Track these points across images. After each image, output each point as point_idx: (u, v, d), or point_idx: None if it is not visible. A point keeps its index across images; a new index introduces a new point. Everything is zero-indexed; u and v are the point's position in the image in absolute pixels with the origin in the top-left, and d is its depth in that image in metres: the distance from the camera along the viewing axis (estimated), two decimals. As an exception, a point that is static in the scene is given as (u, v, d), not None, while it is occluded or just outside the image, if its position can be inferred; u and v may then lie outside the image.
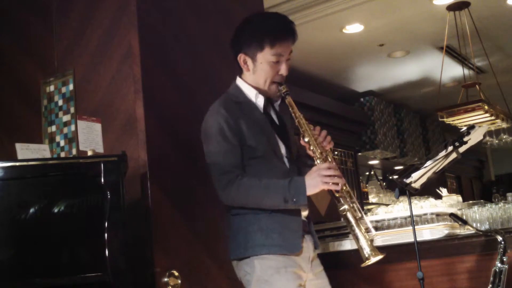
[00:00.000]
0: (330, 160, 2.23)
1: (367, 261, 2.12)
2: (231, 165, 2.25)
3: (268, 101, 2.43)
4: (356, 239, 2.12)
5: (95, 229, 2.33)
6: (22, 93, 3.35)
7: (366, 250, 2.10)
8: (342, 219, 2.21)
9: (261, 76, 2.34)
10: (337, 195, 2.18)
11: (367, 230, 2.18)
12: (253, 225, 2.26)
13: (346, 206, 2.16)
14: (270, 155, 2.32)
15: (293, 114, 2.31)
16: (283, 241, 2.24)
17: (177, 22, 3.12)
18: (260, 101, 2.37)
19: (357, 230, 2.12)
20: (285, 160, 2.36)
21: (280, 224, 2.25)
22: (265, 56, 2.31)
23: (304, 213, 2.36)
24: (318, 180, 2.15)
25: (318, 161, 2.24)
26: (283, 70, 2.33)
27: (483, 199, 5.01)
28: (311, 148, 2.27)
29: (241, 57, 2.38)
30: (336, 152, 7.31)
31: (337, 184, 2.15)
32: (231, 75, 3.35)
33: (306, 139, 2.28)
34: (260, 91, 2.38)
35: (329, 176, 2.15)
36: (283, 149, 2.37)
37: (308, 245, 2.33)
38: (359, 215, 2.16)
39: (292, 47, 2.35)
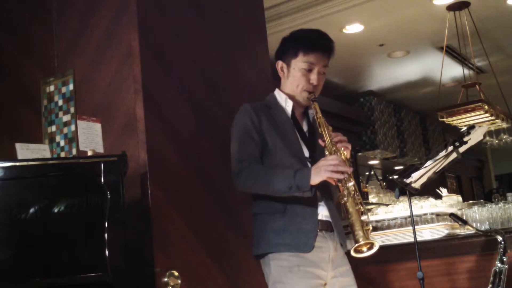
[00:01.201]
0: (340, 155, 2.28)
1: (356, 245, 2.13)
2: (247, 155, 2.37)
3: (304, 108, 2.55)
4: (352, 226, 2.14)
5: (95, 229, 2.33)
6: (22, 93, 3.35)
7: (358, 235, 2.12)
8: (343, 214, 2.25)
9: (293, 82, 2.49)
10: (339, 185, 2.23)
11: (367, 223, 2.19)
12: (267, 224, 2.36)
13: (346, 196, 2.19)
14: (289, 156, 2.40)
15: (315, 116, 2.41)
16: (292, 240, 2.31)
17: (177, 22, 3.12)
18: (289, 105, 2.50)
19: (354, 218, 2.15)
20: (307, 162, 2.42)
21: (292, 224, 2.33)
22: (298, 63, 2.46)
23: (324, 213, 2.39)
24: (322, 169, 2.21)
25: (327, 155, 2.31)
26: (314, 79, 2.45)
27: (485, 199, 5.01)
28: (326, 148, 2.33)
29: (278, 64, 2.55)
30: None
31: (340, 173, 2.19)
32: (231, 74, 3.37)
33: (320, 141, 2.36)
34: (291, 97, 2.51)
35: (333, 165, 2.20)
36: (306, 153, 2.45)
37: (328, 244, 2.37)
38: (359, 206, 2.19)
39: (327, 62, 2.48)
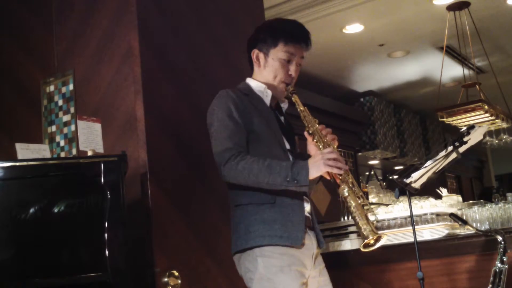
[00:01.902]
0: (333, 148, 2.25)
1: (366, 240, 2.10)
2: (234, 143, 2.25)
3: (276, 100, 2.49)
4: (356, 221, 2.12)
5: (95, 229, 2.33)
6: (22, 93, 3.35)
7: (366, 230, 2.09)
8: (345, 213, 2.22)
9: (271, 72, 2.42)
10: (339, 179, 2.19)
11: (369, 212, 2.16)
12: (255, 215, 2.25)
13: (347, 189, 2.16)
14: (275, 145, 2.34)
15: (298, 109, 2.36)
16: (285, 232, 2.22)
17: (177, 22, 3.12)
18: (268, 94, 2.43)
19: (357, 213, 2.12)
20: (289, 154, 2.38)
21: (282, 215, 2.24)
22: (278, 52, 2.40)
23: (307, 208, 2.35)
24: (321, 163, 2.16)
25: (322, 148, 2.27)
26: (293, 70, 2.41)
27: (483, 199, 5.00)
28: (315, 139, 2.29)
29: (254, 53, 2.46)
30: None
31: (340, 168, 2.17)
32: (231, 74, 3.37)
33: (311, 131, 2.31)
34: (268, 87, 2.44)
35: (332, 159, 2.16)
36: (287, 145, 2.40)
37: (311, 242, 2.33)
38: (361, 199, 2.15)
39: (304, 54, 2.44)
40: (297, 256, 2.25)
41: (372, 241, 2.13)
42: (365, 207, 2.14)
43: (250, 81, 2.48)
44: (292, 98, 2.39)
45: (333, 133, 2.34)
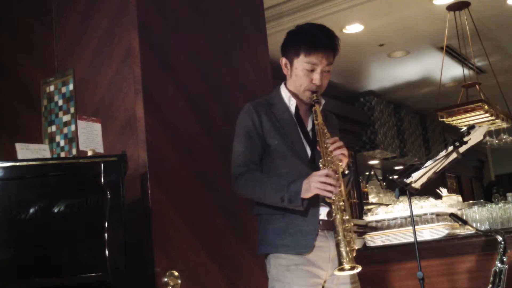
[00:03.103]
0: (333, 168, 2.26)
1: (340, 267, 2.14)
2: (246, 160, 2.38)
3: (309, 105, 2.50)
4: (337, 246, 2.15)
5: (95, 229, 2.33)
6: (22, 93, 3.35)
7: (343, 258, 2.13)
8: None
9: (296, 81, 2.45)
10: (329, 201, 2.24)
11: (351, 240, 2.18)
12: (269, 225, 2.38)
13: (334, 213, 2.20)
14: (292, 158, 2.39)
15: (315, 121, 2.39)
16: (292, 242, 2.32)
17: (177, 22, 3.12)
18: (292, 104, 2.47)
19: (340, 237, 2.15)
20: (308, 164, 2.40)
21: (293, 225, 2.33)
22: (300, 63, 2.42)
23: (324, 213, 2.37)
24: (313, 186, 2.22)
25: (321, 167, 2.29)
26: (316, 79, 2.41)
27: (485, 199, 5.00)
28: (321, 156, 2.32)
29: (282, 60, 2.50)
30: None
31: (329, 192, 2.20)
32: (231, 74, 3.37)
33: (318, 147, 2.35)
34: (295, 95, 2.48)
35: (323, 183, 2.20)
36: (309, 153, 2.42)
37: (328, 244, 2.35)
38: (347, 225, 2.18)
39: (331, 59, 2.43)
40: (308, 258, 2.33)
41: (346, 266, 2.15)
42: (348, 236, 2.16)
43: (282, 88, 2.54)
44: (313, 108, 2.41)
45: None
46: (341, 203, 2.19)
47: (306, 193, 2.24)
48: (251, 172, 2.35)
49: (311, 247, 2.31)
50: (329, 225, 2.37)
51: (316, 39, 2.40)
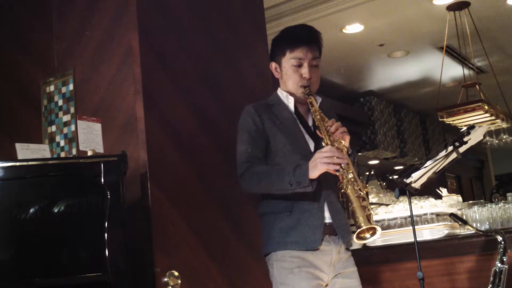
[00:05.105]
0: (336, 146, 2.27)
1: (359, 230, 2.11)
2: (250, 157, 2.40)
3: (307, 104, 2.52)
4: (353, 214, 2.13)
5: (95, 229, 2.33)
6: (22, 93, 3.35)
7: (360, 220, 2.11)
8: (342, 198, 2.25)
9: (288, 80, 2.50)
10: (337, 174, 2.22)
11: (367, 206, 2.17)
12: (274, 224, 2.38)
13: (345, 184, 2.18)
14: (294, 152, 2.41)
15: (311, 110, 2.43)
16: (301, 238, 2.32)
17: (177, 22, 3.12)
18: (290, 102, 2.52)
19: (355, 205, 2.13)
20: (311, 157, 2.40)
21: (299, 222, 2.34)
22: (287, 61, 2.48)
23: (327, 215, 2.38)
24: (318, 163, 2.22)
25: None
26: (305, 73, 2.46)
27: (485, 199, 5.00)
28: (322, 138, 2.33)
29: (272, 65, 2.57)
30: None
31: (337, 164, 2.20)
32: (231, 74, 3.37)
33: (318, 132, 2.37)
34: (292, 95, 2.52)
35: (329, 157, 2.20)
36: (312, 148, 2.44)
37: (330, 248, 2.36)
38: (360, 192, 2.17)
39: (316, 53, 2.50)
40: (310, 260, 2.33)
41: (366, 234, 2.14)
42: (363, 202, 2.16)
43: (278, 91, 2.59)
44: (308, 99, 2.45)
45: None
46: (350, 176, 2.19)
47: (314, 172, 2.23)
48: (255, 166, 2.36)
49: (319, 241, 2.31)
50: (331, 230, 2.38)
51: (298, 34, 2.50)
